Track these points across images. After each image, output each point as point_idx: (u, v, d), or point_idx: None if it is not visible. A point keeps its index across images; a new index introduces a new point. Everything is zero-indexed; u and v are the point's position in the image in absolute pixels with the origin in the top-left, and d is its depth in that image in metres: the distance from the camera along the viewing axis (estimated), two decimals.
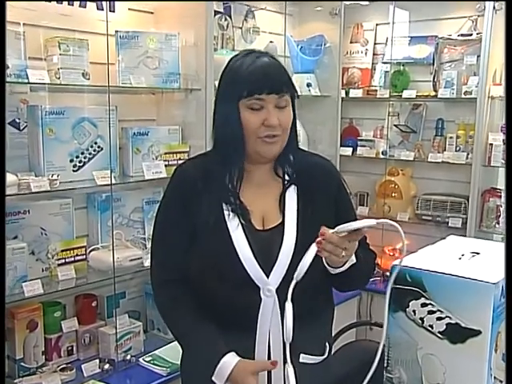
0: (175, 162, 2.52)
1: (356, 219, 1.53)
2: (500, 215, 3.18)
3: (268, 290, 1.33)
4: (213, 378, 1.29)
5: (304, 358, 1.40)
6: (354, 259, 1.32)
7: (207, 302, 1.40)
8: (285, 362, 1.33)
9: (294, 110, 1.41)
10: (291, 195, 1.43)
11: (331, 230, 1.24)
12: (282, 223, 1.39)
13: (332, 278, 1.37)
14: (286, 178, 1.45)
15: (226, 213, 1.38)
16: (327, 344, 1.48)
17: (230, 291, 1.34)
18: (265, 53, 1.41)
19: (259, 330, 1.34)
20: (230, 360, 1.29)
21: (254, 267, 1.33)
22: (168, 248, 1.44)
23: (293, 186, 1.44)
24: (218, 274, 1.34)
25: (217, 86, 1.45)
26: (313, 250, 1.23)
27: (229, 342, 1.34)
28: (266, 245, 1.36)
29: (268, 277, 1.34)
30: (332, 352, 1.56)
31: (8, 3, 1.58)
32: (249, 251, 1.34)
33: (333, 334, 1.58)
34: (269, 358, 1.36)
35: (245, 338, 1.34)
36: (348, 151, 3.69)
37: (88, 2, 2.34)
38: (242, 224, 1.37)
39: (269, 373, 1.35)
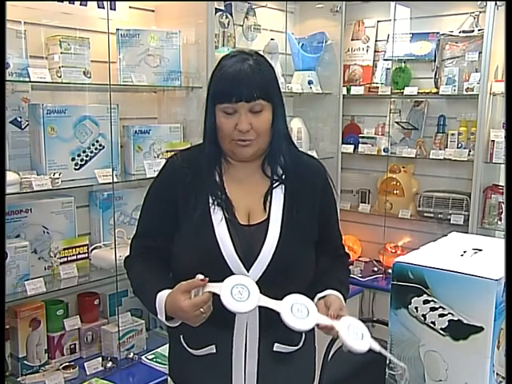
0: None
1: (338, 220, 1.58)
2: (502, 212, 3.17)
3: None
4: (159, 317, 1.34)
5: (278, 348, 1.44)
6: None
7: None
8: (259, 352, 1.40)
9: (280, 112, 1.43)
10: (278, 194, 1.45)
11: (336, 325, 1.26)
12: (267, 220, 1.42)
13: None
14: (275, 177, 1.47)
15: (211, 206, 1.41)
16: (304, 335, 1.50)
17: (210, 281, 1.35)
18: (253, 53, 1.42)
19: (237, 322, 1.39)
20: (163, 294, 1.33)
21: (235, 260, 1.36)
22: (146, 228, 1.52)
23: (280, 185, 1.46)
24: (199, 265, 1.35)
25: None
26: (312, 322, 1.25)
27: (207, 332, 1.38)
28: (248, 239, 1.40)
29: (248, 271, 1.36)
30: (311, 342, 1.56)
31: (9, 2, 1.59)
32: (230, 244, 1.37)
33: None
34: (245, 348, 1.41)
35: (223, 329, 1.39)
36: (349, 148, 3.68)
37: (89, 1, 2.35)
38: (225, 217, 1.40)
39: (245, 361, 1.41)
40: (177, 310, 1.28)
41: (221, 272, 1.34)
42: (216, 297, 1.25)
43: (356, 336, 1.24)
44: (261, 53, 1.49)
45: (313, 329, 1.56)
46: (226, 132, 1.39)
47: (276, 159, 1.47)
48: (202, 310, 1.25)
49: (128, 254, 1.56)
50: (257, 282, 1.34)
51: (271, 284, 1.34)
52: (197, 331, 1.34)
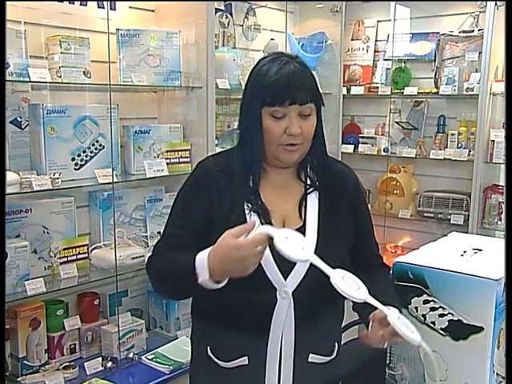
0: (177, 160, 2.52)
1: (373, 230, 1.54)
2: (502, 212, 3.17)
3: (284, 292, 1.33)
4: (199, 281, 1.23)
5: (313, 358, 1.41)
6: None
7: (223, 300, 1.39)
8: (294, 363, 1.35)
9: (319, 117, 1.41)
10: (312, 200, 1.43)
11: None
12: (303, 227, 1.39)
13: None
14: (308, 182, 1.45)
15: (246, 212, 1.37)
16: (336, 344, 1.48)
17: (247, 290, 1.33)
18: (294, 57, 1.40)
19: (272, 330, 1.35)
20: (203, 252, 1.25)
21: (273, 268, 1.33)
22: (176, 229, 1.42)
23: (315, 191, 1.44)
24: None
25: (243, 87, 1.44)
26: (364, 294, 1.19)
27: (242, 340, 1.35)
28: None
29: (286, 279, 1.34)
30: (340, 351, 1.53)
31: (9, 2, 1.59)
32: (268, 252, 1.32)
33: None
34: (280, 357, 1.36)
35: (258, 337, 1.34)
36: (349, 148, 3.69)
37: (89, 1, 2.34)
38: (261, 224, 1.35)
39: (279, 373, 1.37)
40: (231, 250, 1.18)
41: (258, 279, 1.31)
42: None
43: (407, 327, 1.18)
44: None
45: (341, 339, 1.54)
46: (274, 136, 1.35)
47: (311, 165, 1.46)
48: (260, 247, 1.18)
49: (150, 255, 1.46)
50: (295, 290, 1.32)
51: (309, 291, 1.32)
52: (227, 341, 1.30)
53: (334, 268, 1.22)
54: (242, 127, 1.43)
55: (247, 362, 1.38)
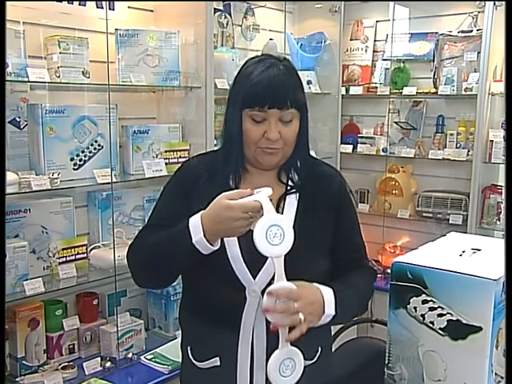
0: (175, 160, 2.52)
1: (359, 232, 1.50)
2: (501, 212, 3.18)
3: (253, 291, 1.33)
4: (193, 241, 1.24)
5: None
6: (331, 312, 1.29)
7: (194, 297, 1.42)
8: (267, 362, 1.29)
9: (305, 121, 1.40)
10: (291, 201, 1.42)
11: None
12: None
13: None
14: (290, 183, 1.44)
15: None
16: (320, 348, 1.45)
17: (217, 288, 1.34)
18: (281, 59, 1.39)
19: (242, 330, 1.35)
20: (196, 214, 1.27)
21: (241, 266, 1.33)
22: (158, 220, 1.45)
23: (295, 192, 1.43)
24: (205, 270, 1.33)
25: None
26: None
27: (213, 338, 1.35)
28: None
29: (255, 278, 1.33)
30: (328, 356, 1.52)
31: (8, 2, 1.58)
32: (237, 250, 1.33)
33: (332, 334, 1.55)
34: (252, 357, 1.35)
35: (229, 337, 1.35)
36: (348, 148, 3.69)
37: (88, 1, 2.34)
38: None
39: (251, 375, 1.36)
40: (221, 210, 1.21)
41: (226, 277, 1.32)
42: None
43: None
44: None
45: (330, 342, 1.53)
46: (253, 140, 1.35)
47: (292, 166, 1.45)
48: (250, 213, 1.19)
49: (131, 242, 1.46)
50: (265, 289, 1.29)
51: None
52: (201, 342, 1.29)
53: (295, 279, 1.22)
54: (225, 127, 1.43)
55: (219, 363, 1.38)
